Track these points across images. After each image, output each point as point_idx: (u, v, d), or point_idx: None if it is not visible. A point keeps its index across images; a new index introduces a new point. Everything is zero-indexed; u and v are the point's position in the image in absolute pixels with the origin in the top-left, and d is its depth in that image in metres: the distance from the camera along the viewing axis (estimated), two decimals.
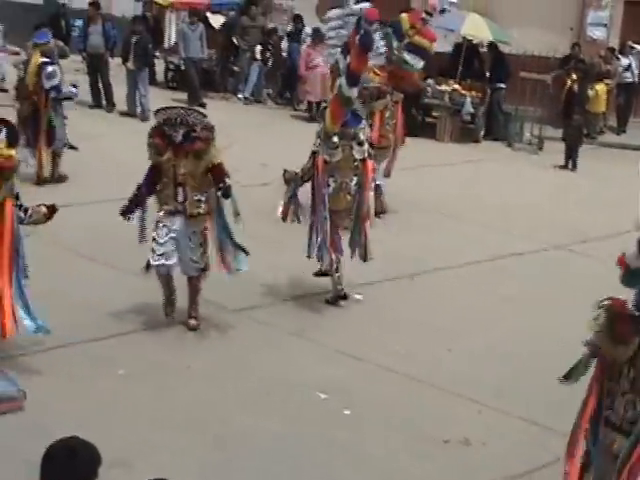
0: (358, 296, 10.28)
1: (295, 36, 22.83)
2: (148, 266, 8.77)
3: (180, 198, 8.68)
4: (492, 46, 21.09)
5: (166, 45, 25.43)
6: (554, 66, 21.26)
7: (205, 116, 8.73)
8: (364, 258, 10.10)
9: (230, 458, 6.94)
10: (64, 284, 9.70)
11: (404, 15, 14.26)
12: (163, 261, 8.66)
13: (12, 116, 10.25)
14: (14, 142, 8.29)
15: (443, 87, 20.55)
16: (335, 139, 9.68)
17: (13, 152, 8.02)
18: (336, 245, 9.87)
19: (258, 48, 22.70)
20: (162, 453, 6.88)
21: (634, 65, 22.09)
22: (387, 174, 13.41)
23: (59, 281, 9.74)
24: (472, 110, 20.38)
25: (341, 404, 7.80)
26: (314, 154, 9.81)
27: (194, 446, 7.01)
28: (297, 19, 23.04)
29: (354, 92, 9.62)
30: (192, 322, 9.07)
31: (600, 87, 21.34)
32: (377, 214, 13.09)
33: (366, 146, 9.99)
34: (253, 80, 22.88)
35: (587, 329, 5.43)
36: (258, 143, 16.74)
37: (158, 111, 8.74)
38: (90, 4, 21.36)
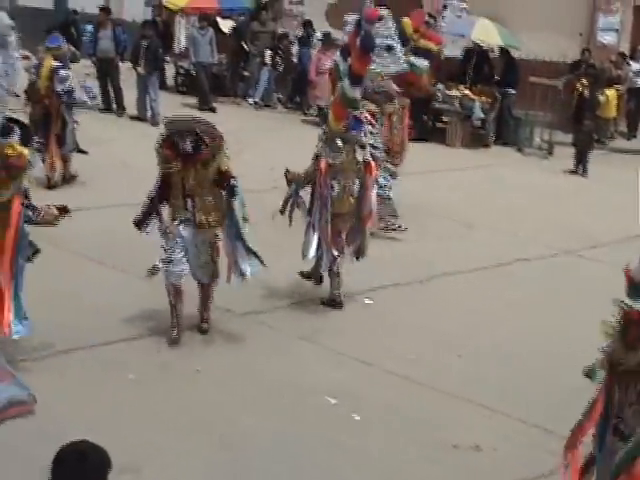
0: (368, 301, 10.29)
1: (305, 41, 22.87)
2: (154, 268, 8.74)
3: (189, 208, 8.65)
4: (504, 51, 21.09)
5: (176, 50, 25.47)
6: (564, 71, 21.23)
7: (214, 126, 8.66)
8: (357, 255, 10.13)
9: (237, 461, 6.94)
10: (74, 288, 9.73)
11: (406, 19, 14.29)
12: (171, 267, 8.64)
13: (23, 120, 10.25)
14: (27, 143, 8.33)
15: (453, 92, 20.54)
16: (339, 143, 9.71)
17: (25, 151, 8.04)
18: (337, 246, 9.90)
19: (268, 53, 22.74)
20: (170, 456, 6.89)
21: None
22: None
23: (69, 285, 9.78)
24: (482, 115, 20.37)
25: (350, 409, 7.79)
26: (317, 157, 9.83)
27: (201, 449, 7.01)
28: (307, 24, 23.08)
29: (358, 93, 9.64)
30: (204, 325, 9.10)
31: (611, 92, 21.31)
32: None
33: (368, 149, 10.04)
34: (263, 85, 22.92)
35: (600, 331, 5.43)
36: (268, 148, 16.76)
37: (167, 122, 8.71)
38: (100, 9, 21.49)
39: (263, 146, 17.34)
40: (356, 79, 9.53)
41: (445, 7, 23.53)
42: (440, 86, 20.63)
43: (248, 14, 24.48)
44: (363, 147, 9.96)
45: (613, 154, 20.76)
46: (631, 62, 22.10)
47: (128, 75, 20.70)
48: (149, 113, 19.82)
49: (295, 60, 23.10)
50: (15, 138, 8.00)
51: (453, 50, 22.45)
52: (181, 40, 26.04)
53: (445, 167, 17.62)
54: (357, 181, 9.91)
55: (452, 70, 21.50)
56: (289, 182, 9.97)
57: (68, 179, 13.91)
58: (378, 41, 12.23)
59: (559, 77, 20.95)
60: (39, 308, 8.65)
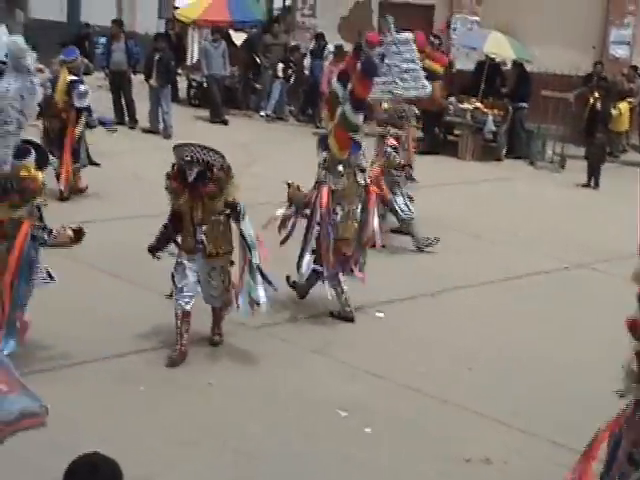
0: (379, 314, 10.29)
1: (318, 54, 22.92)
2: (172, 295, 8.76)
3: (198, 238, 8.61)
4: (516, 64, 21.11)
5: (189, 62, 25.61)
6: (576, 84, 21.24)
7: (223, 156, 8.49)
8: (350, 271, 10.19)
9: (248, 473, 6.94)
10: (86, 300, 9.76)
11: None
12: (181, 295, 8.63)
13: (33, 134, 10.31)
14: (43, 166, 8.37)
15: (465, 105, 20.57)
16: (340, 168, 9.76)
17: (40, 175, 8.08)
18: (343, 266, 10.00)
19: (280, 66, 22.80)
20: (181, 469, 6.89)
21: None
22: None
23: (81, 297, 9.81)
24: (494, 128, 20.38)
25: (362, 422, 7.78)
26: (318, 183, 9.84)
27: (213, 461, 7.01)
28: (319, 37, 23.14)
29: (360, 118, 9.63)
30: (216, 338, 9.13)
31: (623, 105, 21.28)
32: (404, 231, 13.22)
33: (367, 172, 10.07)
34: (275, 97, 22.98)
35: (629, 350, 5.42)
36: (280, 160, 16.80)
37: (176, 147, 8.63)
38: (113, 22, 21.61)
39: (275, 159, 17.39)
40: (358, 104, 9.48)
41: (448, 26, 23.55)
42: (452, 99, 20.67)
43: (260, 26, 24.57)
44: (363, 171, 10.00)
45: (625, 167, 20.73)
46: None
47: (140, 88, 20.78)
48: (161, 126, 19.89)
49: (307, 72, 23.16)
50: (31, 160, 8.04)
51: (466, 63, 22.50)
52: (194, 53, 26.18)
53: (457, 180, 17.63)
54: (360, 205, 9.97)
55: (464, 83, 21.54)
56: (289, 198, 10.00)
57: (75, 192, 13.94)
58: (404, 65, 12.34)
59: (571, 90, 20.97)
60: (52, 320, 8.72)
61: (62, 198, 13.52)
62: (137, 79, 20.92)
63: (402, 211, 12.73)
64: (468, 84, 21.37)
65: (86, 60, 16.44)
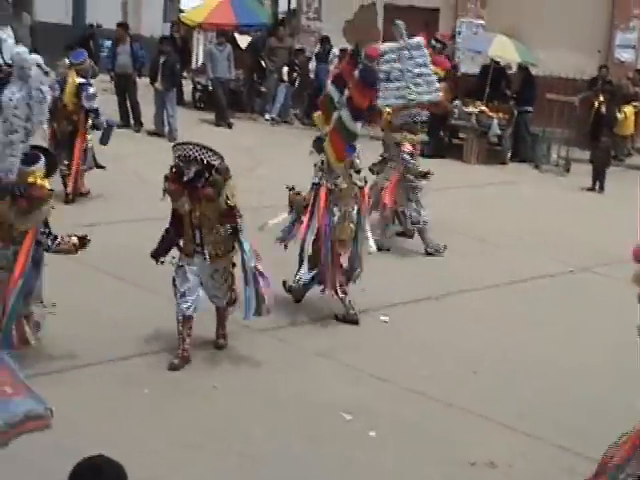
0: (384, 318, 10.28)
1: (323, 57, 22.92)
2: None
3: (197, 240, 8.60)
4: (521, 68, 21.10)
5: (194, 65, 25.60)
6: (581, 88, 21.23)
7: (221, 157, 8.44)
8: (353, 280, 10.21)
9: (252, 476, 6.95)
10: (91, 302, 9.77)
11: None
12: (183, 300, 8.62)
13: (39, 136, 10.32)
14: (52, 172, 8.40)
15: (470, 109, 20.55)
16: (337, 170, 9.76)
17: (46, 182, 8.10)
18: (341, 269, 10.03)
19: (285, 70, 22.81)
20: (186, 471, 6.90)
21: None
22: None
23: (86, 299, 9.82)
24: (499, 132, 20.38)
25: (366, 425, 7.78)
26: (315, 185, 9.85)
27: (217, 464, 7.02)
28: (325, 40, 23.14)
29: (359, 127, 9.62)
30: (221, 341, 9.13)
31: (628, 109, 21.27)
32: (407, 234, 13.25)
33: (362, 174, 10.08)
34: (280, 101, 22.99)
35: None
36: (284, 164, 16.79)
37: (174, 146, 8.61)
38: (118, 25, 21.62)
39: (280, 162, 17.39)
40: (358, 113, 9.46)
41: (453, 36, 23.56)
42: (457, 102, 20.66)
43: (265, 30, 24.58)
44: (358, 172, 10.00)
45: (630, 171, 20.70)
46: None
47: (146, 91, 20.79)
48: (166, 129, 19.90)
49: (312, 76, 23.16)
50: (40, 166, 8.06)
51: (471, 67, 22.49)
52: (199, 56, 26.19)
53: (462, 184, 17.62)
54: (355, 207, 9.98)
55: (469, 86, 21.53)
56: (291, 204, 10.00)
57: (78, 194, 13.95)
58: (416, 70, 12.30)
59: (576, 94, 20.95)
60: (57, 322, 8.72)
61: (67, 201, 13.53)
62: (142, 82, 20.93)
63: (411, 217, 12.73)
64: (473, 87, 21.37)
65: (92, 62, 16.43)
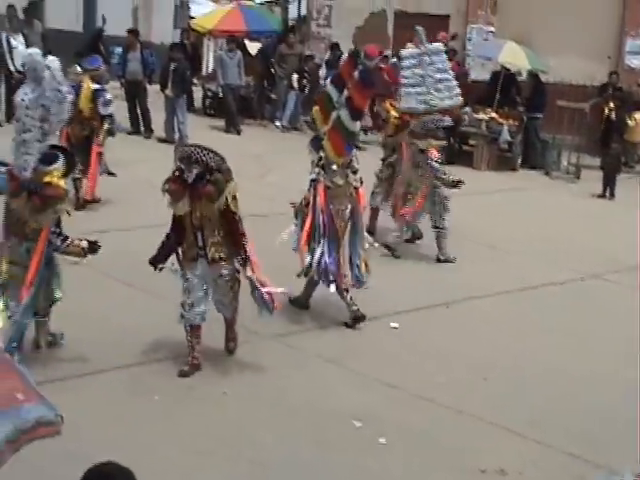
0: (393, 324, 10.26)
1: (333, 64, 22.90)
2: (182, 316, 8.70)
3: (200, 243, 8.55)
4: (532, 74, 21.09)
5: (204, 72, 25.65)
6: (591, 94, 21.21)
7: (223, 158, 8.43)
8: (359, 283, 10.18)
9: None
10: (100, 308, 9.78)
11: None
12: (190, 310, 8.60)
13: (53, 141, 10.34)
14: (70, 171, 8.45)
15: (480, 115, 20.55)
16: (334, 167, 9.79)
17: (62, 183, 8.13)
18: (342, 265, 10.02)
19: (294, 77, 22.81)
20: (196, 478, 6.90)
21: None
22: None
23: (95, 305, 9.83)
24: (509, 138, 20.37)
25: (376, 432, 7.76)
26: (313, 182, 9.86)
27: (228, 472, 7.01)
28: (335, 47, 23.13)
29: (357, 126, 9.64)
30: (231, 345, 9.10)
31: (638, 116, 21.23)
32: (413, 239, 13.24)
33: (359, 175, 10.07)
34: (290, 108, 23.00)
35: None
36: (295, 170, 16.75)
37: (176, 148, 8.61)
38: (129, 31, 21.67)
39: (290, 169, 17.35)
40: (356, 114, 9.51)
41: (453, 38, 23.53)
42: (467, 109, 20.63)
43: (275, 36, 24.60)
44: (355, 172, 10.00)
45: None
46: None
47: (156, 97, 20.82)
48: (177, 135, 19.91)
49: (322, 83, 23.16)
50: (58, 166, 8.10)
51: (481, 73, 22.48)
52: (209, 62, 26.23)
53: (472, 190, 17.49)
54: (349, 206, 9.98)
55: (479, 93, 21.51)
56: (296, 213, 10.02)
57: (91, 201, 13.97)
58: (437, 75, 12.33)
59: (586, 100, 20.92)
60: (67, 328, 8.75)
61: (78, 207, 13.52)
62: (153, 89, 20.96)
63: (434, 221, 12.71)
64: (483, 94, 21.36)
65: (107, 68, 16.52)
